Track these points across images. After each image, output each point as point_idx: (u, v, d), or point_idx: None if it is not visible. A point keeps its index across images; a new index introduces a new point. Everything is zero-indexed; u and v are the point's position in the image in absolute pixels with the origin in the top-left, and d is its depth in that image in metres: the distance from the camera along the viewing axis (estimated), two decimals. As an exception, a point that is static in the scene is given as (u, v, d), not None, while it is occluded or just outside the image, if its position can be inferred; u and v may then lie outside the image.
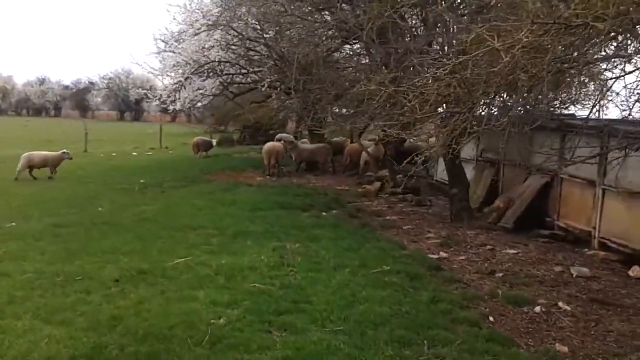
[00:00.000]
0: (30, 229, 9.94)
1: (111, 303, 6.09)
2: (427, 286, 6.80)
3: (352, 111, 10.46)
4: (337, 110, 12.90)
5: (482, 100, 5.95)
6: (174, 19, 18.25)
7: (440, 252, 8.65)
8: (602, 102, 8.35)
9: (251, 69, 19.80)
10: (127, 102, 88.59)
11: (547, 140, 9.53)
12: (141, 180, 16.83)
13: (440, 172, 16.63)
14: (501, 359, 4.78)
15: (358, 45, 16.55)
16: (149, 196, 14.03)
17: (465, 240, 9.53)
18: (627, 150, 7.05)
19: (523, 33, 4.25)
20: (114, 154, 27.35)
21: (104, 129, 47.51)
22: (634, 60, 5.59)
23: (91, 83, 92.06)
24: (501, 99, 6.25)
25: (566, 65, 5.17)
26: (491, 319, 5.86)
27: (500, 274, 7.52)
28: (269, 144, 18.78)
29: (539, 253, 8.75)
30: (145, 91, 28.62)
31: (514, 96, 6.22)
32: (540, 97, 6.25)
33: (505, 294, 6.62)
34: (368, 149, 17.42)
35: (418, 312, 5.83)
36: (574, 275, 7.48)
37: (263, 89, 18.85)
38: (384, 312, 5.78)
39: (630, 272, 7.58)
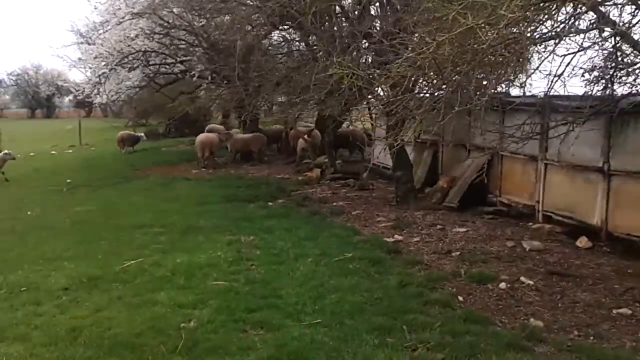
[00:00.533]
0: (-43, 239, 9.16)
1: (66, 313, 5.68)
2: (391, 270, 6.80)
3: (295, 98, 10.29)
4: (279, 98, 12.68)
5: (453, 81, 5.95)
6: (95, 8, 17.29)
7: (395, 235, 8.69)
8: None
9: (178, 59, 19.14)
10: (38, 98, 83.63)
11: (490, 119, 9.74)
12: (67, 180, 15.91)
13: (377, 155, 16.79)
14: (482, 338, 4.81)
15: (286, 33, 16.41)
16: (81, 196, 13.30)
17: (415, 222, 9.64)
18: (574, 125, 7.30)
19: (506, 9, 4.24)
20: (32, 154, 25.70)
21: (17, 128, 44.33)
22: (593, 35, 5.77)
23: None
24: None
25: (545, 39, 5.27)
26: (460, 298, 5.92)
27: (457, 253, 7.64)
28: (202, 136, 18.27)
29: (488, 229, 8.97)
30: (64, 85, 26.99)
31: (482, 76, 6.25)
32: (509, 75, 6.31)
33: (468, 272, 6.72)
34: (304, 136, 17.25)
35: (390, 297, 5.81)
36: (527, 249, 7.71)
37: (194, 79, 18.30)
38: (357, 301, 5.71)
39: (578, 243, 7.89)
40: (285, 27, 14.37)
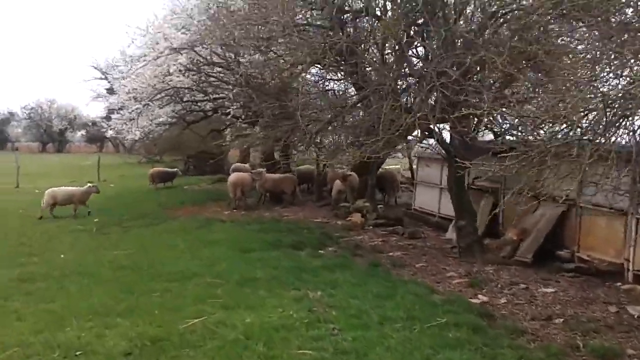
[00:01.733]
0: (-9, 285, 8.37)
1: (137, 389, 4.83)
2: (498, 341, 5.93)
3: (361, 139, 9.60)
4: (337, 137, 12.04)
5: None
6: (133, 42, 16.91)
7: (479, 295, 7.83)
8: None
9: (212, 96, 18.64)
10: (50, 132, 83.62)
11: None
12: (95, 219, 15.21)
13: (420, 200, 16.04)
14: None
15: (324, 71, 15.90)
16: (114, 238, 12.53)
17: (491, 279, 8.80)
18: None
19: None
20: (51, 189, 25.05)
21: (30, 162, 43.48)
22: None
23: (11, 114, 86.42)
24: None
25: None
26: (598, 381, 5.05)
27: (560, 320, 6.78)
28: (235, 175, 17.59)
29: (577, 290, 8.13)
30: (99, 120, 26.59)
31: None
32: None
33: (588, 345, 5.86)
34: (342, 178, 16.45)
35: (519, 379, 4.94)
36: (636, 316, 6.85)
37: (228, 117, 17.77)
38: (482, 383, 4.85)
39: (689, 310, 7.04)
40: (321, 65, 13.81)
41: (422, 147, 10.96)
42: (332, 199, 17.43)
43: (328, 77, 15.87)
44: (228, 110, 17.54)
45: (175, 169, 26.28)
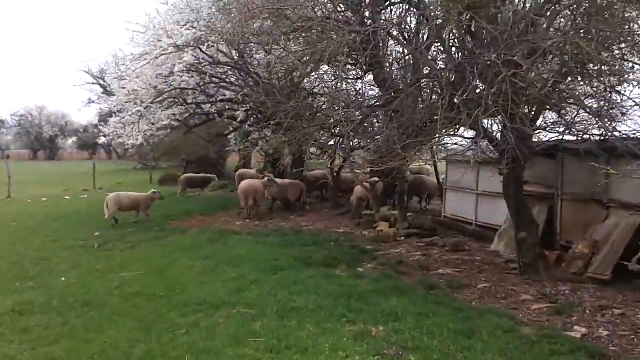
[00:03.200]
0: (-21, 319, 6.92)
1: None
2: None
3: (409, 139, 8.16)
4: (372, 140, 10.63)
5: None
6: (132, 40, 15.51)
7: (574, 327, 6.48)
8: None
9: (217, 98, 17.19)
10: (41, 139, 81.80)
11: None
12: (95, 233, 13.76)
13: (451, 207, 14.72)
14: None
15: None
16: (118, 256, 11.03)
17: (573, 301, 7.47)
18: None
19: None
20: (44, 199, 23.50)
21: (21, 170, 41.55)
22: None
23: (0, 121, 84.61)
24: None
25: None
26: None
27: (691, 359, 5.46)
28: (246, 182, 16.08)
29: (682, 316, 6.82)
30: (98, 124, 24.89)
31: None
32: None
33: None
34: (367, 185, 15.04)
35: None
36: None
37: (236, 121, 16.39)
38: None
39: None
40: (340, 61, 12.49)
41: (471, 148, 9.62)
42: (351, 206, 16.06)
43: (343, 75, 14.61)
44: (236, 114, 16.14)
45: (212, 175, 25.19)
